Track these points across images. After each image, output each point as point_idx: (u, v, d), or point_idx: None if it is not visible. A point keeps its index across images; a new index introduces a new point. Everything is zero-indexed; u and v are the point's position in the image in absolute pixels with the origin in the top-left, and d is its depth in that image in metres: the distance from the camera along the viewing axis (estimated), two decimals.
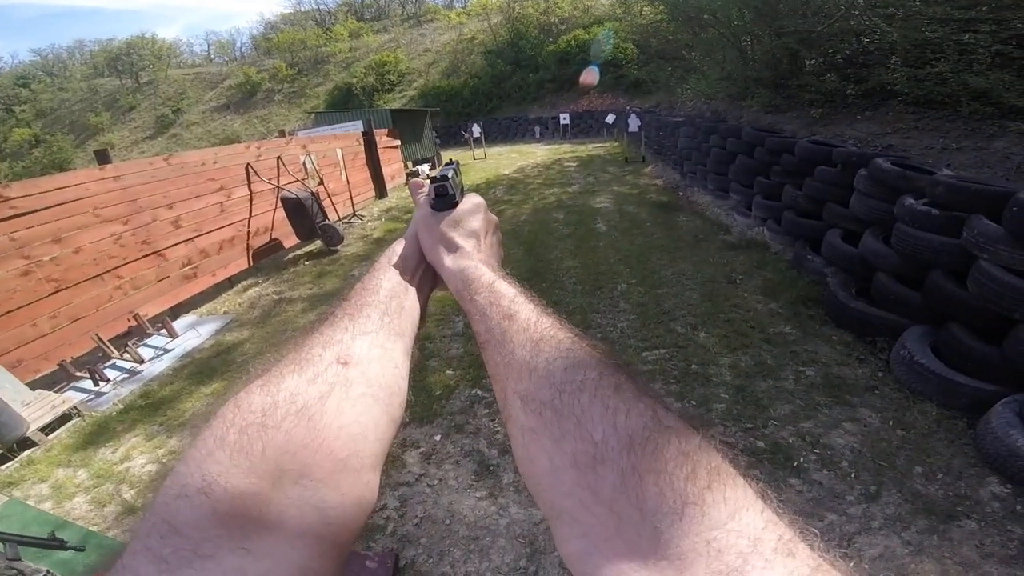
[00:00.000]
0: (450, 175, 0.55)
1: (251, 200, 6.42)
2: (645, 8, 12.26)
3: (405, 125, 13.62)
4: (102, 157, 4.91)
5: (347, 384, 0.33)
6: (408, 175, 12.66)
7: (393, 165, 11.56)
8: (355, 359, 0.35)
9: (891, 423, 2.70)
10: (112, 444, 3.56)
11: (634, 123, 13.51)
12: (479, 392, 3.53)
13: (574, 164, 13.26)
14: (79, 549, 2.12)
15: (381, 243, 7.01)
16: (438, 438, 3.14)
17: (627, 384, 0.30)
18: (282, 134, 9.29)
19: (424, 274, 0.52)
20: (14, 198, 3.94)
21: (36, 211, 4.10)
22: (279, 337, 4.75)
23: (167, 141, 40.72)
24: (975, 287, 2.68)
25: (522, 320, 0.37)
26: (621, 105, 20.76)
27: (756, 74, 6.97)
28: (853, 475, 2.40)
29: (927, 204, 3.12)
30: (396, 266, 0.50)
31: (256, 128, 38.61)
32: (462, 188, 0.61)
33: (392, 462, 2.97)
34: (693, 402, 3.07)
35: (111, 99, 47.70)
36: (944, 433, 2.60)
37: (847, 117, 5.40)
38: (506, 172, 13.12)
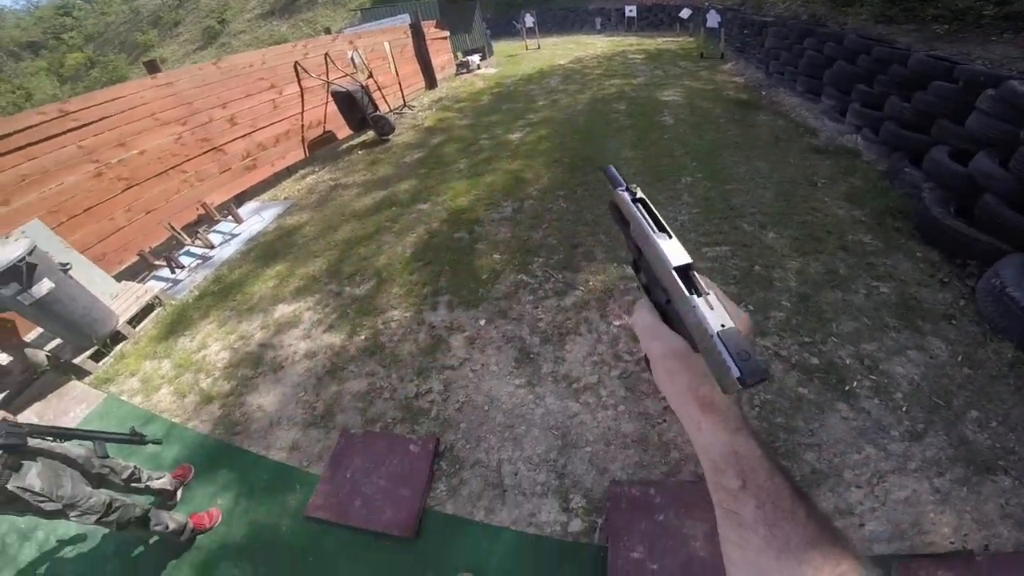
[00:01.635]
0: (717, 304, 0.37)
1: (302, 96, 6.68)
2: None
3: (454, 16, 12.87)
4: (151, 67, 5.12)
5: None
6: (457, 65, 12.22)
7: (443, 56, 11.44)
8: None
9: (960, 359, 2.45)
10: (190, 332, 3.77)
11: (713, 19, 11.91)
12: (524, 277, 3.46)
13: (640, 56, 11.94)
14: (157, 442, 2.26)
15: (432, 131, 6.84)
16: (482, 322, 3.14)
17: None
18: (327, 32, 9.41)
19: None
20: (75, 111, 4.23)
21: (98, 120, 4.42)
22: (337, 219, 4.87)
23: (217, 51, 39.92)
24: None
25: (801, 518, 0.38)
26: (699, 0, 18.21)
27: None
28: (904, 409, 2.24)
29: None
30: None
31: (303, 31, 37.09)
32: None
33: (438, 345, 3.03)
34: (751, 307, 2.87)
35: (154, 17, 46.31)
36: (1015, 379, 2.33)
37: (979, 37, 4.65)
38: (561, 62, 12.03)
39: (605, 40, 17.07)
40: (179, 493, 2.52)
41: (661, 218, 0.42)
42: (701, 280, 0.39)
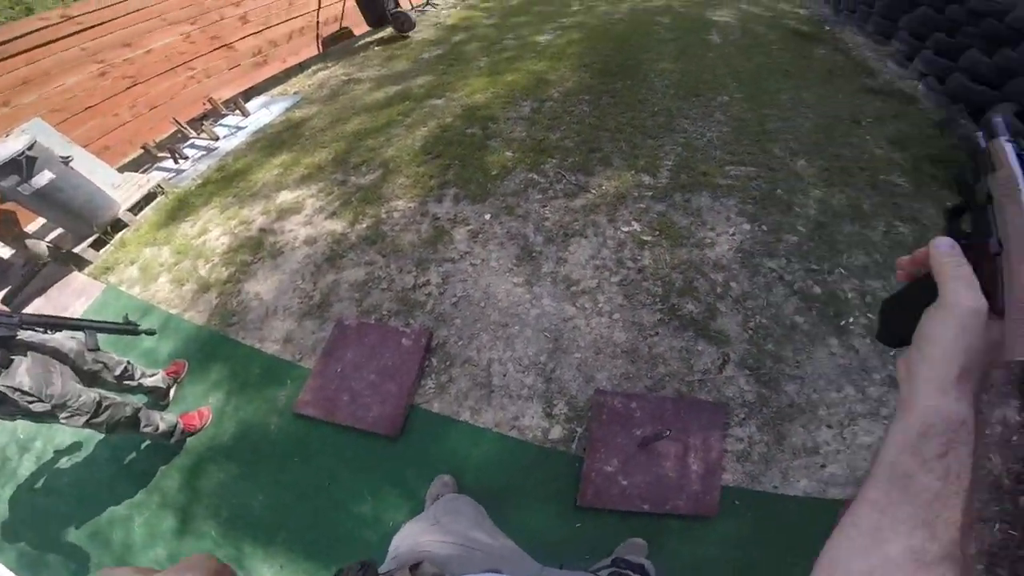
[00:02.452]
0: None
1: None
2: None
3: None
4: None
5: None
6: None
7: None
8: None
9: None
10: (191, 218, 3.69)
11: None
12: (535, 176, 3.31)
13: None
14: (150, 333, 2.18)
15: (454, 29, 6.42)
16: (488, 217, 3.06)
17: None
18: None
19: None
20: (77, 15, 4.22)
21: (104, 23, 4.38)
22: (347, 112, 4.68)
23: None
24: None
25: None
26: None
27: None
28: (892, 354, 2.16)
29: None
30: None
31: None
32: None
33: (440, 237, 2.96)
34: (764, 227, 2.74)
35: None
36: None
37: None
38: None
39: None
40: (171, 392, 2.49)
41: None
42: None
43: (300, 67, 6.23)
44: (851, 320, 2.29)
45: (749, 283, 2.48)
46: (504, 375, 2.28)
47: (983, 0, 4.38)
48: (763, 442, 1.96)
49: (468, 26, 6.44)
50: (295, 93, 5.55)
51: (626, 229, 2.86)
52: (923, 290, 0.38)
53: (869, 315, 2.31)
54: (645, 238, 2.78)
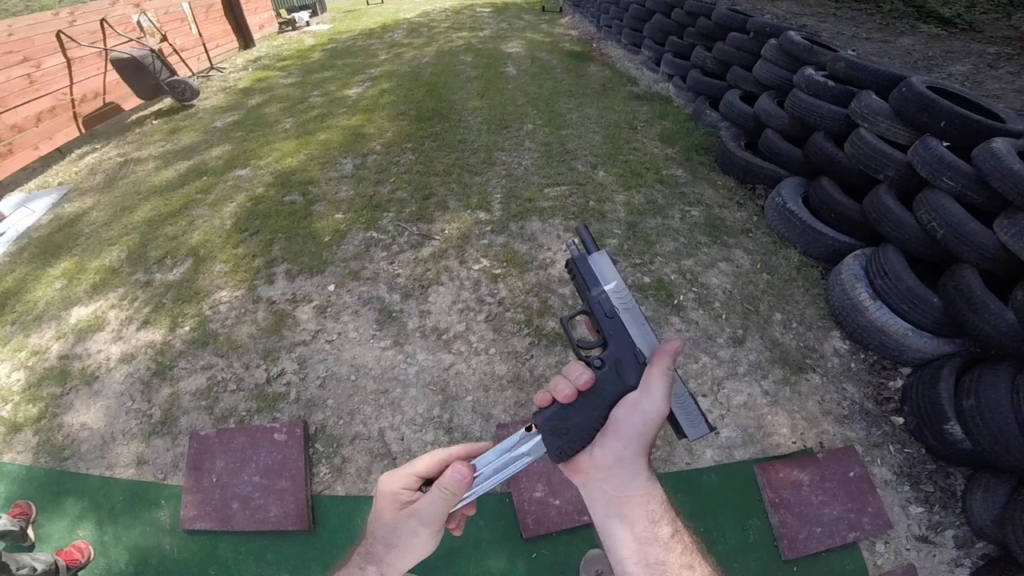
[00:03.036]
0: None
1: (69, 68, 5.38)
2: None
3: None
4: None
5: None
6: (281, 24, 10.74)
7: (262, 14, 10.09)
8: None
9: (759, 266, 2.94)
10: None
11: None
12: (374, 234, 3.24)
13: (487, 10, 11.89)
14: None
15: (248, 92, 5.97)
16: (332, 288, 2.89)
17: None
18: None
19: None
20: None
21: None
22: (133, 199, 4.03)
23: None
24: (851, 148, 2.94)
25: None
26: None
27: None
28: (724, 317, 2.61)
29: (825, 76, 3.31)
30: None
31: None
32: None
33: (282, 321, 2.73)
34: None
35: None
36: (802, 281, 2.87)
37: None
38: (407, 16, 11.39)
39: None
40: (30, 532, 2.10)
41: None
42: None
43: (60, 152, 5.23)
44: (682, 297, 2.71)
45: None
46: (402, 439, 2.21)
47: (694, 1, 5.36)
48: None
49: (265, 88, 6.05)
50: (60, 184, 4.64)
51: (477, 267, 2.97)
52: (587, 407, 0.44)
53: (694, 290, 2.74)
54: (496, 271, 2.93)
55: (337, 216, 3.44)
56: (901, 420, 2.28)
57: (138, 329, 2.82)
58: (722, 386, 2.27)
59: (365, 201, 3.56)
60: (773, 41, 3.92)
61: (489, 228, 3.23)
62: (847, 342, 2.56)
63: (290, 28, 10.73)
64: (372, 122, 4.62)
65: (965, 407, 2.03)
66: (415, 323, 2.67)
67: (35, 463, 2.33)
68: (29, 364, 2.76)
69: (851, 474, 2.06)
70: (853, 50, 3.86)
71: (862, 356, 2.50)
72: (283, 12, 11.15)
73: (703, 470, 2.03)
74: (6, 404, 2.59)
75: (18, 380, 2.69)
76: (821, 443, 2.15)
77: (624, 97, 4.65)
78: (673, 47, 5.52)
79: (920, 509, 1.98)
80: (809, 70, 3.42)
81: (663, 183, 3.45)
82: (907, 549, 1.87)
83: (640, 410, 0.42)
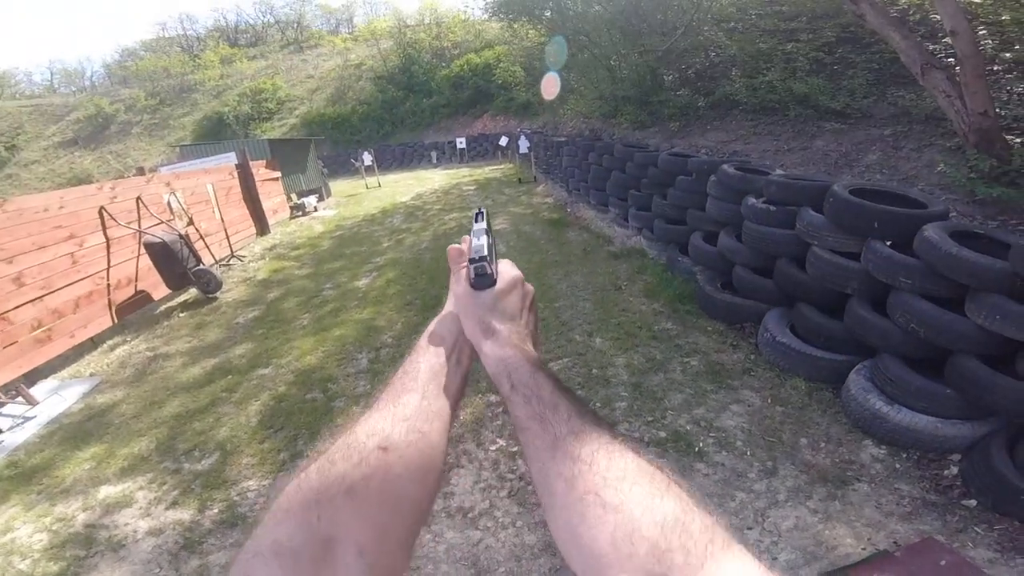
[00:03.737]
0: (485, 248, 0.54)
1: (108, 248, 5.63)
2: (530, 32, 13.00)
3: (286, 155, 12.65)
4: None
5: (387, 468, 0.39)
6: (292, 208, 11.87)
7: (275, 199, 10.94)
8: (393, 445, 0.41)
9: (770, 400, 3.02)
10: None
11: (524, 144, 14.07)
12: None
13: (472, 187, 13.50)
14: None
15: (267, 284, 6.45)
16: None
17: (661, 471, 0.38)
18: (141, 172, 8.35)
19: (463, 349, 0.55)
20: None
21: None
22: (161, 394, 4.26)
23: (2, 185, 34.11)
24: (812, 270, 3.12)
25: (563, 412, 0.42)
26: (512, 127, 21.61)
27: (624, 92, 7.53)
28: (749, 453, 2.63)
29: (765, 202, 3.57)
30: (434, 343, 0.53)
31: (111, 165, 34.00)
32: (493, 249, 0.60)
33: None
34: (598, 403, 3.19)
35: None
36: (816, 404, 2.95)
37: (699, 128, 6.06)
38: (403, 200, 12.89)
39: (441, 173, 18.91)
40: None
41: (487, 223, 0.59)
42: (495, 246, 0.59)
43: (93, 342, 5.38)
44: (702, 444, 2.73)
45: None
46: None
47: (640, 153, 5.59)
48: None
49: (282, 279, 6.61)
50: (92, 375, 4.82)
51: (494, 448, 3.04)
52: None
53: (712, 435, 2.77)
54: (513, 449, 2.98)
55: (356, 410, 3.59)
56: (974, 502, 2.17)
57: (167, 509, 2.91)
58: (766, 516, 2.21)
59: None
60: (713, 178, 4.10)
61: (501, 409, 3.35)
62: (882, 447, 2.54)
63: (300, 213, 11.73)
64: (382, 314, 5.02)
65: None
66: (439, 505, 2.68)
67: None
68: (54, 528, 2.85)
69: (942, 563, 1.86)
70: (781, 166, 4.27)
71: (903, 455, 2.48)
72: (294, 196, 12.22)
73: None
74: (24, 559, 2.64)
75: (40, 540, 2.77)
76: (896, 542, 2.02)
77: (604, 258, 5.13)
78: (635, 201, 5.78)
79: None
80: (751, 199, 3.60)
81: (657, 339, 3.69)
82: None
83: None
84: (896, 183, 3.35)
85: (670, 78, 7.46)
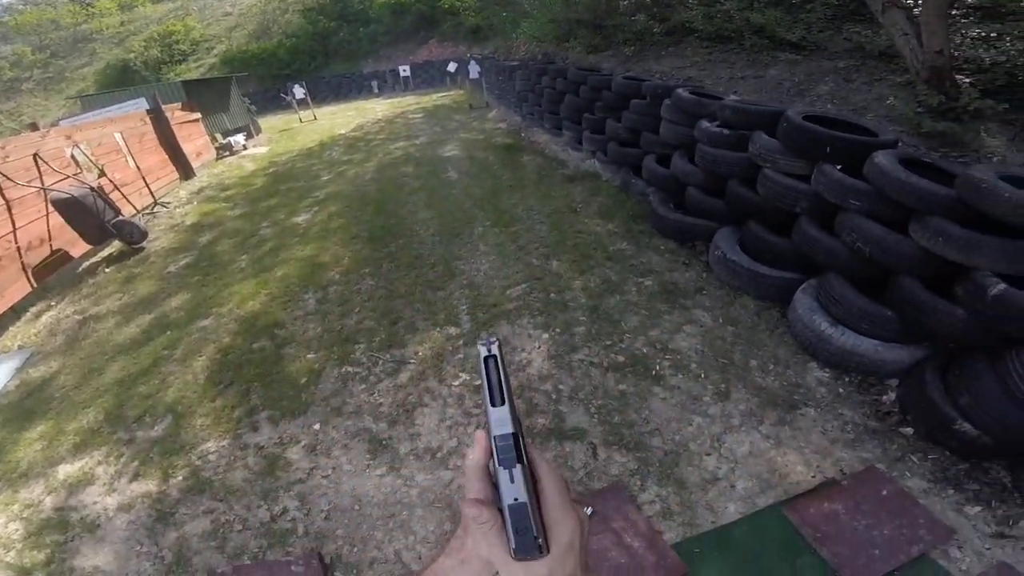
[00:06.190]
0: (520, 487, 0.40)
1: (9, 210, 5.07)
2: None
3: (205, 96, 11.77)
4: None
5: None
6: (218, 148, 11.04)
7: (197, 141, 10.33)
8: None
9: (721, 320, 3.12)
10: None
11: (474, 70, 13.35)
12: (350, 369, 3.28)
13: (419, 116, 12.71)
14: None
15: (198, 228, 5.99)
16: (317, 427, 2.92)
17: None
18: (34, 127, 7.80)
19: None
20: None
21: None
22: (99, 360, 3.95)
23: None
24: (763, 190, 3.18)
25: None
26: (461, 53, 20.35)
27: (578, 16, 7.28)
28: (703, 376, 2.73)
29: (719, 126, 3.57)
30: None
31: (4, 126, 29.85)
32: (520, 441, 0.43)
33: (275, 463, 2.75)
34: (558, 330, 3.21)
35: None
36: (764, 324, 3.06)
37: (654, 54, 5.90)
38: (343, 132, 12.02)
39: (384, 103, 17.69)
40: None
41: (504, 378, 0.44)
42: (528, 450, 0.41)
43: (14, 311, 4.93)
44: (658, 367, 2.82)
45: (571, 379, 2.85)
46: (419, 557, 2.18)
47: (595, 76, 5.51)
48: (670, 493, 2.19)
49: (213, 222, 6.11)
50: (21, 348, 4.45)
51: (457, 383, 3.02)
52: None
53: (667, 358, 2.87)
54: (477, 383, 2.98)
55: (309, 356, 3.46)
56: (911, 430, 2.30)
57: (130, 481, 2.82)
58: (722, 441, 2.33)
59: (334, 337, 3.60)
60: (667, 101, 4.11)
61: (461, 342, 3.32)
62: (826, 370, 2.68)
63: (228, 153, 11.02)
64: (326, 250, 4.74)
65: (963, 405, 2.06)
66: (407, 447, 2.68)
67: None
68: (24, 515, 2.75)
69: (884, 492, 2.06)
70: (735, 92, 4.27)
71: (846, 379, 2.63)
72: (218, 136, 11.50)
73: (731, 525, 2.03)
74: (8, 551, 2.56)
75: (16, 530, 2.68)
76: (842, 470, 2.17)
77: (559, 181, 5.02)
78: (589, 124, 5.75)
79: (977, 508, 1.99)
80: (705, 123, 3.64)
81: (612, 259, 3.69)
82: (988, 548, 1.86)
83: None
84: (846, 113, 3.39)
85: (625, 2, 7.16)
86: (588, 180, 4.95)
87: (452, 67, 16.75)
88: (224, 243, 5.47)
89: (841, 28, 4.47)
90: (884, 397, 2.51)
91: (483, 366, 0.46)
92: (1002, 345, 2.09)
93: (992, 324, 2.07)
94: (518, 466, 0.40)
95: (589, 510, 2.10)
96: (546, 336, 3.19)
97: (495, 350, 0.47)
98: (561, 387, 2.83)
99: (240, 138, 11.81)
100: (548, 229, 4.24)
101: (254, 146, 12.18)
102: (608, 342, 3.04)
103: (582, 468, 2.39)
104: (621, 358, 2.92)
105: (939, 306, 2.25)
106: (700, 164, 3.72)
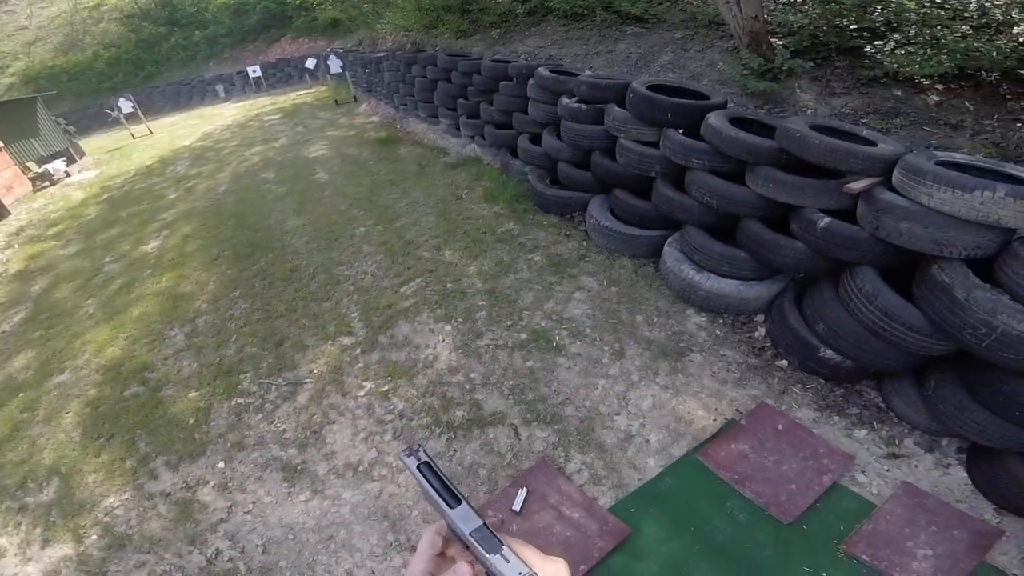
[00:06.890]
0: (511, 556, 0.41)
1: None
2: None
3: (5, 120, 9.68)
4: None
5: None
6: (33, 179, 9.23)
7: (3, 173, 8.66)
8: None
9: (605, 282, 3.32)
10: None
11: (335, 64, 12.50)
12: (240, 400, 3.02)
13: (277, 116, 11.65)
14: None
15: (26, 275, 5.02)
16: (221, 464, 2.70)
17: None
18: None
19: None
20: None
21: None
22: None
23: None
24: (621, 159, 3.43)
25: None
26: (320, 48, 18.94)
27: (444, 2, 7.20)
28: (598, 339, 2.87)
29: (578, 101, 3.76)
30: None
31: None
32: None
33: (189, 507, 2.52)
34: (459, 320, 3.19)
35: None
36: (643, 280, 3.29)
37: (519, 34, 6.04)
38: (186, 143, 10.62)
39: (234, 107, 15.93)
40: None
41: (446, 477, 0.47)
42: (497, 534, 0.44)
43: None
44: (557, 338, 2.93)
45: (480, 365, 2.88)
46: (373, 572, 2.11)
47: (464, 61, 5.50)
48: (593, 459, 2.29)
49: (45, 265, 5.14)
50: None
51: (362, 393, 2.89)
52: None
53: (564, 327, 2.99)
54: (384, 388, 2.87)
55: (192, 395, 3.12)
56: (785, 363, 2.57)
57: (42, 548, 2.53)
58: (627, 399, 2.48)
59: (214, 371, 3.25)
60: (532, 81, 4.25)
61: (359, 350, 3.17)
62: (703, 315, 2.96)
63: (47, 183, 9.35)
64: (187, 277, 4.22)
65: (822, 332, 2.34)
66: (324, 467, 2.56)
67: None
68: None
69: (780, 427, 2.23)
70: (590, 68, 4.53)
71: (720, 321, 2.92)
72: (31, 166, 9.65)
73: (656, 480, 2.14)
74: None
75: None
76: (737, 410, 2.37)
77: (441, 169, 4.93)
78: (464, 109, 5.76)
79: (863, 432, 2.20)
80: (565, 100, 3.83)
81: (502, 241, 3.75)
82: (887, 470, 2.04)
83: None
84: (685, 79, 3.72)
85: None
86: (471, 165, 4.93)
87: (311, 63, 15.55)
88: (63, 288, 4.66)
89: (677, 1, 4.88)
90: (756, 333, 2.81)
91: (419, 475, 0.47)
92: (837, 270, 2.45)
93: (825, 251, 2.43)
94: (504, 547, 0.42)
95: (524, 491, 2.15)
96: (449, 328, 3.16)
97: (423, 455, 0.48)
98: (472, 375, 2.84)
99: (60, 164, 9.97)
100: (436, 219, 4.17)
101: (80, 171, 10.35)
102: (509, 322, 3.10)
103: (508, 451, 2.43)
104: (524, 335, 3.00)
105: (781, 242, 2.59)
106: (566, 140, 3.90)
